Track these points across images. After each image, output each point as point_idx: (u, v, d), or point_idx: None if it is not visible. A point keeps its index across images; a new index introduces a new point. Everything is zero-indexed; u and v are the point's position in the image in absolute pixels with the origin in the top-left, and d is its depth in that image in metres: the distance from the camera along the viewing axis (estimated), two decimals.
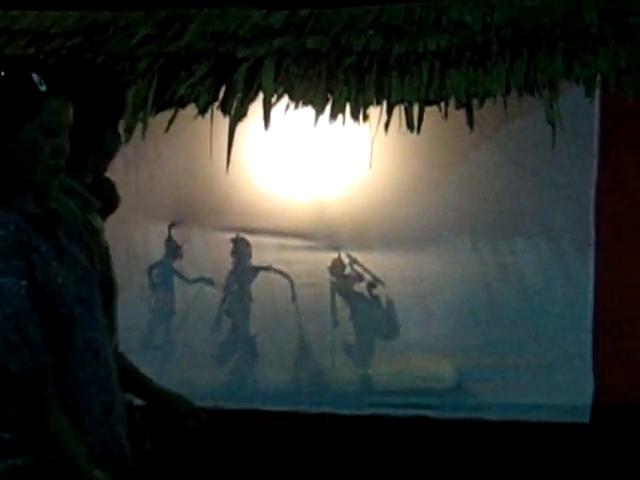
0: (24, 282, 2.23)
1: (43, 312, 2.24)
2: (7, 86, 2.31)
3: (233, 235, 5.22)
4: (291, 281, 5.23)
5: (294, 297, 5.25)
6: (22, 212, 2.32)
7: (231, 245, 5.22)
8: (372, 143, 4.75)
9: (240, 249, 5.24)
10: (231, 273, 5.26)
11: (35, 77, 2.30)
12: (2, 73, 2.33)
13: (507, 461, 5.03)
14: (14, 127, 2.30)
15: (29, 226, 2.31)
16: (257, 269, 5.25)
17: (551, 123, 4.45)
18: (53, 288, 2.27)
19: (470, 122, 4.57)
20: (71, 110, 2.38)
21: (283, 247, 5.26)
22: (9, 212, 2.31)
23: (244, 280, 5.29)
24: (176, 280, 5.37)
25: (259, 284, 5.29)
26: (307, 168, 5.19)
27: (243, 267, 5.28)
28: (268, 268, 5.21)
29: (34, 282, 2.24)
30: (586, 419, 4.89)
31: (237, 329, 5.31)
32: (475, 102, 4.58)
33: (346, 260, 5.24)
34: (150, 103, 4.81)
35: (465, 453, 5.08)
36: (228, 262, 5.28)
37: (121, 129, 4.53)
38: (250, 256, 5.23)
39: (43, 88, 2.30)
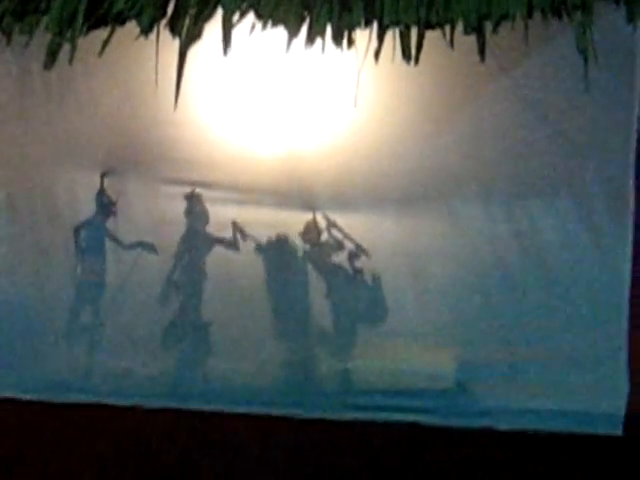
0: None
1: None
2: None
3: (184, 190, 4.94)
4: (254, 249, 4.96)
5: (256, 270, 4.97)
6: None
7: (185, 203, 4.92)
8: (359, 75, 4.33)
9: (195, 209, 4.96)
10: (183, 239, 4.99)
11: None
12: None
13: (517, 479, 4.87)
14: None
15: None
16: (215, 240, 4.97)
17: (583, 55, 4.10)
18: None
19: (482, 52, 4.16)
20: None
21: (243, 205, 4.96)
22: None
23: (197, 250, 5.01)
24: (109, 244, 5.04)
25: (215, 256, 5.02)
26: (276, 105, 4.86)
27: (197, 234, 5.00)
28: (231, 243, 4.90)
29: None
30: (619, 430, 4.64)
31: (186, 310, 5.02)
32: (488, 26, 4.16)
33: (323, 223, 4.92)
34: (80, 19, 4.33)
35: (466, 469, 4.83)
36: (175, 223, 4.98)
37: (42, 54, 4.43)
38: (207, 220, 4.96)
39: None
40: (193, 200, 5.01)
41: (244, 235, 4.98)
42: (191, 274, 5.08)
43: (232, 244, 4.99)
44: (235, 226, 4.98)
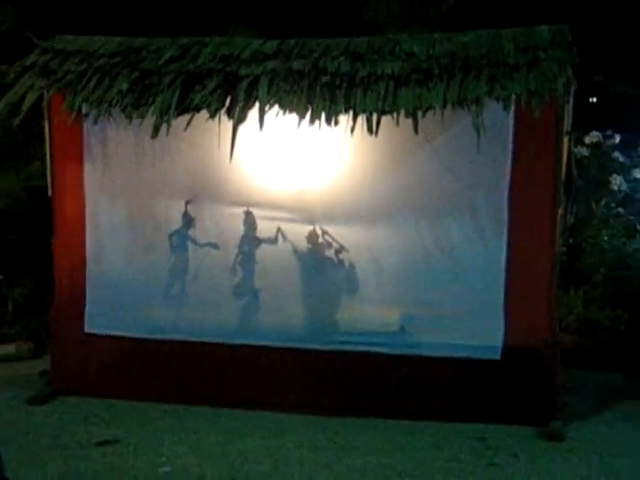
0: None
1: None
2: None
3: (236, 210, 5.79)
4: (277, 246, 5.83)
5: (284, 259, 5.77)
6: None
7: (243, 216, 5.76)
8: (341, 142, 5.42)
9: (249, 220, 5.80)
10: (242, 237, 5.80)
11: None
12: None
13: (437, 387, 5.73)
14: None
15: None
16: (262, 240, 5.79)
17: (477, 130, 5.08)
18: None
19: (415, 128, 5.21)
20: None
21: (272, 220, 5.84)
22: None
23: (250, 245, 5.82)
24: (190, 244, 5.99)
25: (261, 249, 5.85)
26: (291, 159, 5.76)
27: (251, 235, 5.80)
28: (273, 240, 5.73)
29: None
30: (497, 356, 5.62)
31: (244, 281, 5.83)
32: (419, 113, 5.20)
33: (319, 232, 5.87)
34: (173, 109, 5.52)
35: (402, 380, 5.73)
36: (231, 231, 5.81)
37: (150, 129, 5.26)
38: (256, 227, 5.77)
39: None
40: (248, 214, 5.71)
41: (279, 237, 5.70)
42: (246, 260, 5.79)
43: (273, 242, 5.75)
44: (278, 231, 5.71)
